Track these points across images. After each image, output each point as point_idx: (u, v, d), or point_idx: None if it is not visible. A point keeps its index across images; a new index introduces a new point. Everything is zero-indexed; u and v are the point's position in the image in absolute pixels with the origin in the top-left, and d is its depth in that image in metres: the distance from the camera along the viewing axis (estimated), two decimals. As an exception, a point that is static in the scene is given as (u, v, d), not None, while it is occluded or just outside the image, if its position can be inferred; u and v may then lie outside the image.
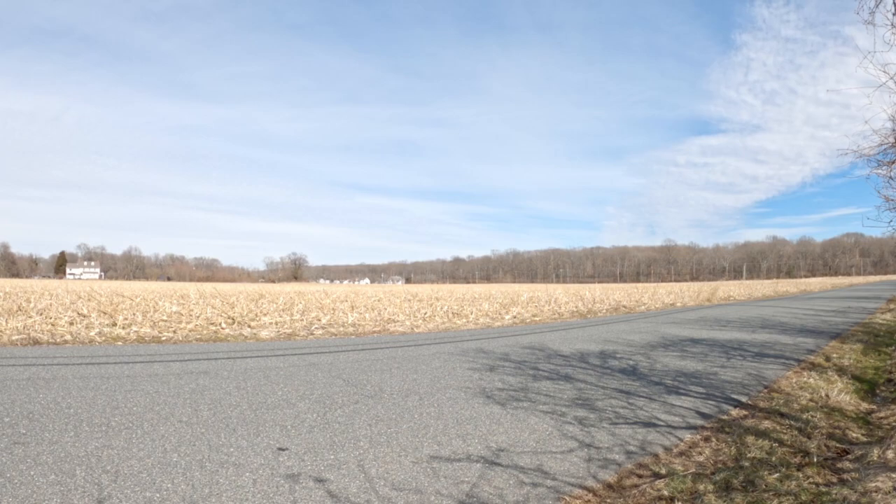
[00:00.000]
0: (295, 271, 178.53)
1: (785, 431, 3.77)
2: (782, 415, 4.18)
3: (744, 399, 4.81)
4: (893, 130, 5.86)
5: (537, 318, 14.20)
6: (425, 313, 14.33)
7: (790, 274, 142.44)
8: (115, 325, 9.86)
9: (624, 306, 19.16)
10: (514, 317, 14.20)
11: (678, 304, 21.70)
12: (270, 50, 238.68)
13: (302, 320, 11.76)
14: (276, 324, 11.01)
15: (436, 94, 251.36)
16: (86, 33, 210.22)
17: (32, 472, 2.84)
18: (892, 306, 18.08)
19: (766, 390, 5.19)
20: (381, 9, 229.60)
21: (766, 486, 2.75)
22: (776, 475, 2.88)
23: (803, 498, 2.59)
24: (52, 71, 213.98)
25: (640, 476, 2.98)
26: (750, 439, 3.55)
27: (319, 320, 11.78)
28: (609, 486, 2.85)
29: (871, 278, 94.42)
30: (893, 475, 2.73)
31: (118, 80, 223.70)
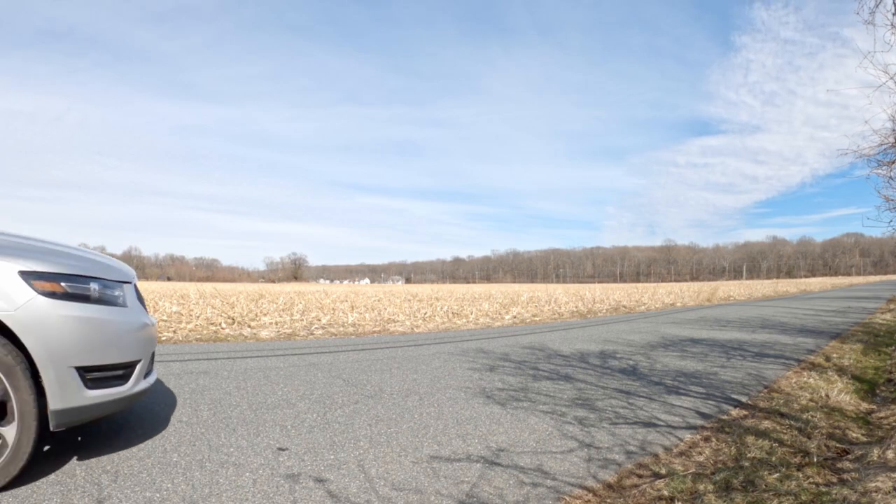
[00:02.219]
0: (295, 271, 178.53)
1: (785, 431, 3.77)
2: (782, 415, 4.18)
3: (744, 399, 4.81)
4: (893, 130, 5.86)
5: (537, 318, 14.20)
6: (425, 313, 14.33)
7: (790, 274, 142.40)
8: (115, 325, 9.84)
9: (624, 306, 19.16)
10: (514, 317, 14.20)
11: (678, 304, 21.70)
12: (271, 50, 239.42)
13: (302, 320, 11.76)
14: (276, 324, 11.01)
15: (436, 94, 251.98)
16: (88, 34, 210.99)
17: (33, 472, 2.84)
18: (892, 306, 18.07)
19: (766, 390, 5.19)
20: (382, 9, 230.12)
21: (766, 486, 2.75)
22: (776, 475, 2.88)
23: (803, 498, 2.59)
24: (54, 72, 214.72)
25: (640, 476, 2.98)
26: (750, 439, 3.55)
27: (319, 320, 11.78)
28: (609, 486, 2.85)
29: (871, 278, 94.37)
30: (893, 475, 2.73)
31: (120, 80, 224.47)
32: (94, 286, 2.90)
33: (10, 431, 2.56)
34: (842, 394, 4.82)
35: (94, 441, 3.40)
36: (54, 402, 2.64)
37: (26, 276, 2.65)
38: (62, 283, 2.76)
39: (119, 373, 2.94)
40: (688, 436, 3.73)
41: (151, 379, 3.36)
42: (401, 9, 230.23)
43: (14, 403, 2.56)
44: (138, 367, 3.08)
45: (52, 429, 2.68)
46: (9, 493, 2.58)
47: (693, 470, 3.05)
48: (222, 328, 10.13)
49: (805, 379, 5.60)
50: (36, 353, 2.60)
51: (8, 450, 2.56)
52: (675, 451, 3.42)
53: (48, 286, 2.70)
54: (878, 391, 5.35)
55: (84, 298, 2.84)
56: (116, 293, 3.04)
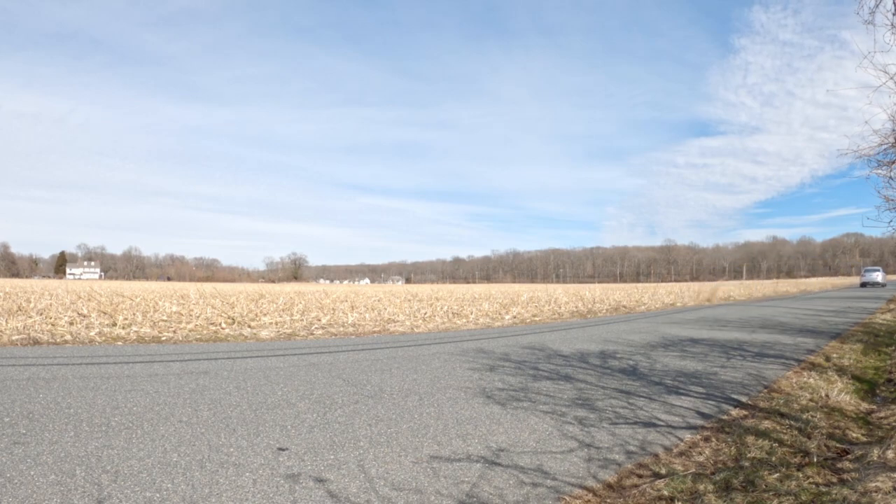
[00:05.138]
0: (295, 271, 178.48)
1: (785, 431, 3.76)
2: (782, 415, 4.18)
3: (744, 399, 4.81)
4: (893, 131, 5.86)
5: (537, 318, 14.19)
6: (425, 313, 14.33)
7: (790, 274, 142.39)
8: (115, 325, 9.86)
9: (624, 306, 19.16)
10: (514, 317, 14.20)
11: (678, 304, 21.69)
12: (276, 53, 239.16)
13: (302, 320, 11.76)
14: (276, 324, 11.01)
15: (439, 96, 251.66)
16: (93, 36, 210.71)
17: (32, 472, 2.84)
18: (892, 306, 18.07)
19: (766, 390, 5.19)
20: (386, 13, 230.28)
21: (766, 486, 2.75)
22: (776, 475, 2.88)
23: (803, 498, 2.59)
24: (58, 73, 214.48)
25: (640, 476, 2.98)
26: (750, 439, 3.55)
27: (319, 320, 11.78)
28: (609, 486, 2.85)
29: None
30: (893, 475, 2.73)
31: (124, 82, 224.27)
32: None
33: None
34: (842, 394, 4.82)
35: (95, 441, 3.40)
36: None
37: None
38: None
39: None
40: (688, 436, 3.73)
41: None
42: (404, 12, 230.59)
43: None
44: None
45: None
46: (9, 493, 2.58)
47: (693, 470, 3.04)
48: (222, 328, 10.13)
49: (805, 379, 5.60)
50: None
51: None
52: (675, 451, 3.42)
53: None
54: (878, 391, 5.35)
55: None
56: None
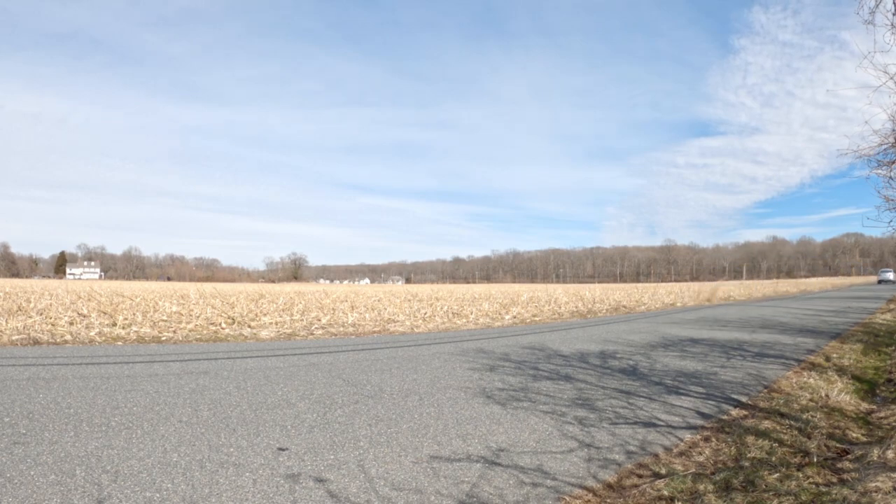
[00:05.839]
0: (295, 271, 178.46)
1: (785, 431, 3.77)
2: (782, 415, 4.18)
3: (744, 399, 4.81)
4: (893, 131, 5.87)
5: (537, 318, 14.20)
6: (425, 313, 14.33)
7: (790, 274, 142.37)
8: (115, 325, 9.86)
9: (624, 306, 19.16)
10: (514, 317, 14.20)
11: (678, 304, 21.70)
12: (276, 53, 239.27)
13: (302, 320, 11.76)
14: (276, 324, 11.01)
15: (439, 97, 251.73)
16: (94, 37, 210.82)
17: (32, 472, 2.84)
18: (892, 306, 18.07)
19: (766, 390, 5.19)
20: (386, 13, 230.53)
21: (766, 486, 2.75)
22: (776, 475, 2.88)
23: (803, 498, 2.59)
24: (58, 73, 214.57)
25: (640, 476, 2.98)
26: (750, 439, 3.55)
27: (319, 320, 11.78)
28: (609, 486, 2.85)
29: (872, 278, 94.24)
30: (893, 475, 2.73)
31: (124, 82, 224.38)
32: None
33: None
34: (842, 394, 4.82)
35: (95, 441, 3.40)
36: None
37: None
38: None
39: None
40: (688, 436, 3.73)
41: None
42: (404, 13, 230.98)
43: None
44: None
45: None
46: (9, 493, 2.58)
47: (693, 470, 3.05)
48: (222, 328, 10.13)
49: (805, 379, 5.60)
50: None
51: None
52: (675, 451, 3.42)
53: None
54: (878, 391, 5.35)
55: None
56: None
